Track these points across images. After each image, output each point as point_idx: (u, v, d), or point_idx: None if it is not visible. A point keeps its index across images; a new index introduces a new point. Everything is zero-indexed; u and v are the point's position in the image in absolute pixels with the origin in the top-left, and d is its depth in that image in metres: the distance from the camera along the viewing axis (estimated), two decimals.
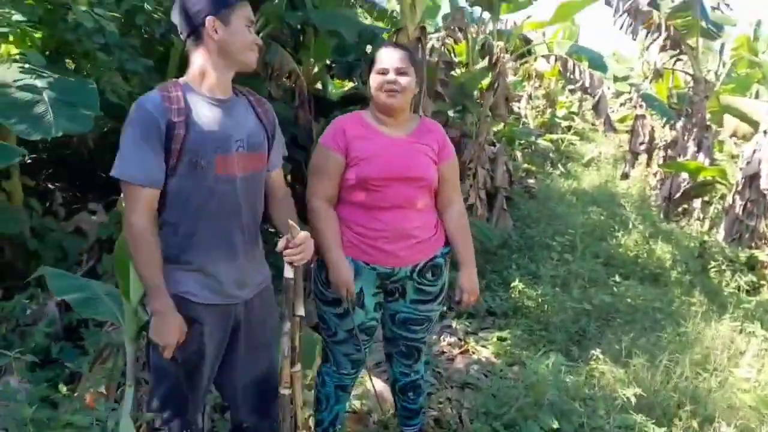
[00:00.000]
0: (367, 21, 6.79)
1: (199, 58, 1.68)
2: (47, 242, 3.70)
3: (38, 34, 3.27)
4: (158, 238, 1.66)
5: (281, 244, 1.71)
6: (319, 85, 6.33)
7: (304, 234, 1.73)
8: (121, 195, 1.70)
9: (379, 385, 2.77)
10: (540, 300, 4.14)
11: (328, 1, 5.08)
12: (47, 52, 3.31)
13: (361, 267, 2.09)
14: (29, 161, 5.32)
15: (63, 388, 2.67)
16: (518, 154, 8.48)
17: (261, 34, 4.82)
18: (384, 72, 2.04)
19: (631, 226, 6.19)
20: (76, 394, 2.58)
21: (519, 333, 3.74)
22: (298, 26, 5.27)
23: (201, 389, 1.83)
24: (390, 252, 2.08)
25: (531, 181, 7.99)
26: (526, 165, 8.40)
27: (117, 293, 2.15)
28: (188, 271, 1.71)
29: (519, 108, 10.05)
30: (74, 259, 3.71)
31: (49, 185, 5.07)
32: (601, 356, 3.26)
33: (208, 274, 1.72)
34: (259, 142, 1.78)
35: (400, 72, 2.03)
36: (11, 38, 3.03)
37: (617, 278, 4.83)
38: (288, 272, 1.73)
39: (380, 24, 6.22)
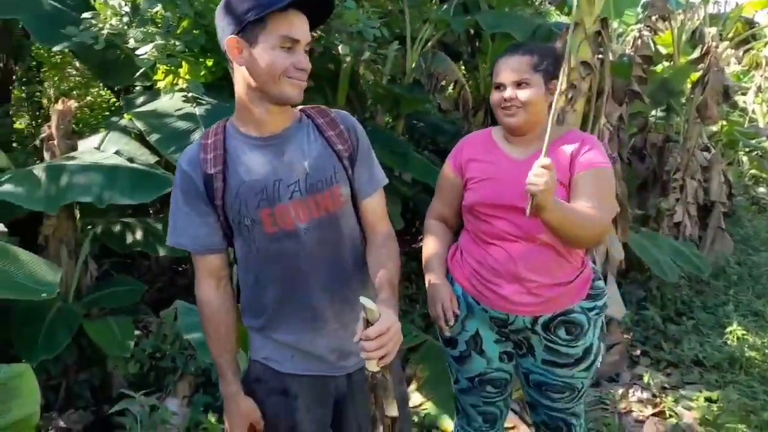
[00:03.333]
0: (560, 19, 6.23)
1: (236, 89, 1.35)
2: None
3: (209, 62, 3.38)
4: (230, 310, 1.46)
5: (358, 331, 1.17)
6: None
7: (387, 320, 1.17)
8: None
9: None
10: (766, 351, 3.32)
11: (504, 1, 4.67)
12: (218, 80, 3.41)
13: (472, 305, 1.80)
14: None
15: (211, 417, 2.68)
16: (743, 158, 7.15)
17: (430, 43, 4.57)
18: (500, 87, 1.75)
19: None
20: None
21: (735, 396, 2.97)
22: (472, 31, 4.95)
23: None
24: (501, 295, 1.74)
25: (761, 190, 6.67)
26: (753, 171, 7.04)
27: None
28: (270, 339, 1.45)
29: (745, 103, 8.53)
30: None
31: None
32: None
33: (296, 346, 1.44)
34: (326, 178, 1.38)
35: (518, 85, 1.72)
36: (184, 68, 3.14)
37: None
38: (371, 365, 1.18)
39: (565, 19, 5.61)
